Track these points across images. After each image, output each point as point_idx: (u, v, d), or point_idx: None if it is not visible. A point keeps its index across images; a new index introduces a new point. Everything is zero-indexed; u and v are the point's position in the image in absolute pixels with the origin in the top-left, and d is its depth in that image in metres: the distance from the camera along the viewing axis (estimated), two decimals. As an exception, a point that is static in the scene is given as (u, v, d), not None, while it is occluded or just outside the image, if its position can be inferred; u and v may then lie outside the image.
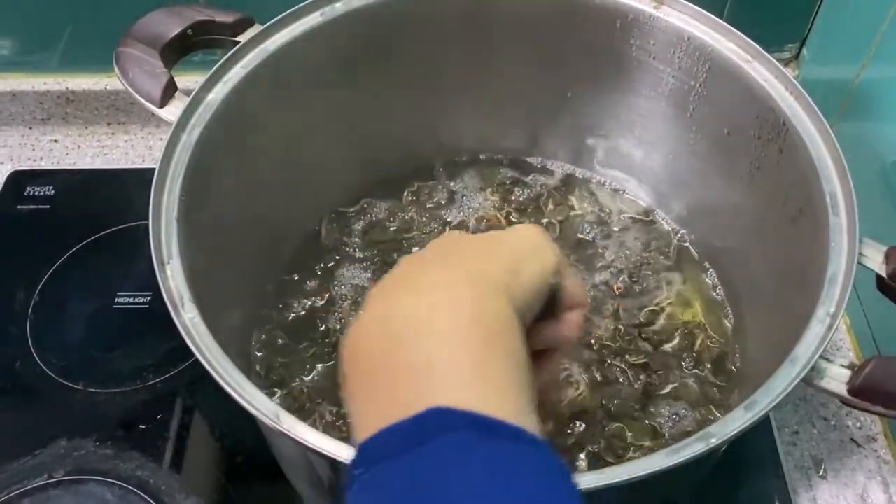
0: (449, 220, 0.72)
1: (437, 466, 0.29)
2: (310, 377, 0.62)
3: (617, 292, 0.67)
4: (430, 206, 0.73)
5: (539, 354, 0.43)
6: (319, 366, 0.63)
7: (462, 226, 0.71)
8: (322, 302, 0.66)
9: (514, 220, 0.72)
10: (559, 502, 0.29)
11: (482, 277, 0.37)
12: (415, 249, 0.70)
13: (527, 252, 0.41)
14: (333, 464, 0.41)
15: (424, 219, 0.71)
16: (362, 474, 0.30)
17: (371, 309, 0.37)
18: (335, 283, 0.67)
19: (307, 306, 0.66)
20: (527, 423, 0.31)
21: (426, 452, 0.29)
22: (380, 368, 0.34)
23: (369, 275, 0.68)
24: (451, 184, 0.74)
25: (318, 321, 0.65)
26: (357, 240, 0.70)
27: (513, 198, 0.73)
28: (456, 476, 0.28)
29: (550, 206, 0.73)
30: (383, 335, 0.35)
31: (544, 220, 0.72)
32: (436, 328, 0.34)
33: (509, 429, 0.30)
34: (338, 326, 0.65)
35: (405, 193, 0.73)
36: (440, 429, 0.30)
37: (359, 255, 0.69)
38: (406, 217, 0.72)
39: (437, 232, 0.71)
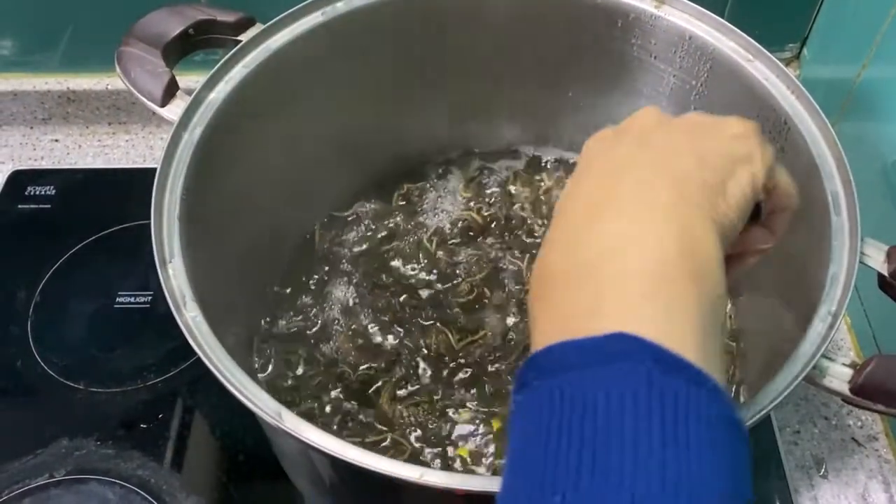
0: (428, 223, 0.72)
1: (611, 390, 0.28)
2: (309, 374, 0.63)
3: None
4: (421, 208, 0.73)
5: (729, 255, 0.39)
6: (320, 358, 0.63)
7: (437, 232, 0.71)
8: (312, 311, 0.67)
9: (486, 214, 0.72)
10: (728, 455, 0.29)
11: (687, 200, 0.34)
12: (394, 263, 0.69)
13: (738, 162, 0.36)
14: (335, 462, 0.41)
15: (410, 226, 0.71)
16: (534, 380, 0.30)
17: (566, 227, 0.35)
18: (323, 289, 0.68)
19: (297, 320, 0.66)
20: (711, 370, 0.29)
21: (603, 373, 0.28)
22: (568, 290, 0.33)
23: (357, 281, 0.68)
24: (444, 184, 0.74)
25: (307, 323, 0.66)
26: (347, 250, 0.70)
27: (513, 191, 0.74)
28: (629, 403, 0.28)
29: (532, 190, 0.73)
30: (577, 258, 0.33)
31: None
32: (634, 260, 0.32)
33: (691, 370, 0.29)
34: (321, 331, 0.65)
35: (395, 196, 0.73)
36: (622, 354, 0.29)
37: (347, 267, 0.69)
38: (391, 223, 0.71)
39: (415, 240, 0.70)
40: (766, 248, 0.41)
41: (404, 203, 0.73)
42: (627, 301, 0.31)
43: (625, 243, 0.33)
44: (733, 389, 0.63)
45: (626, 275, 0.32)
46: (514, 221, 0.71)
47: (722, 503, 0.27)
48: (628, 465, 0.26)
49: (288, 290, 0.68)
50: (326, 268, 0.69)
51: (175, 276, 0.48)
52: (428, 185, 0.74)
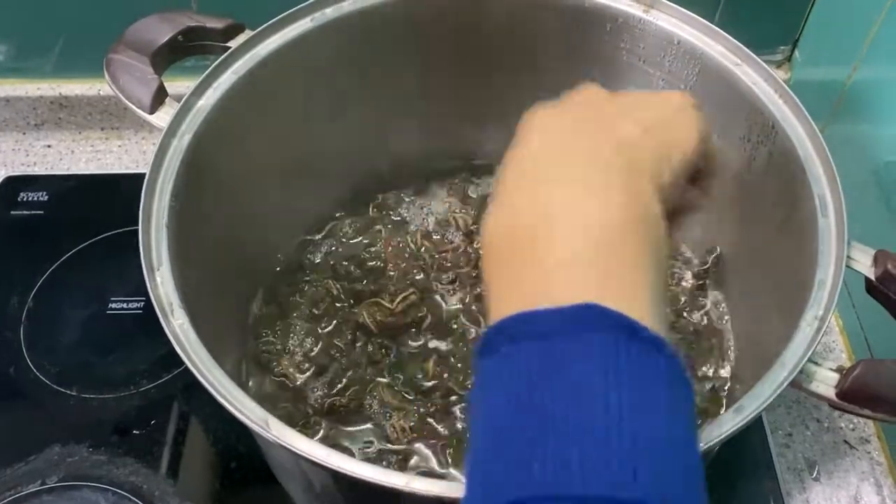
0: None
1: (584, 358, 0.29)
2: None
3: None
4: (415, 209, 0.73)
5: None
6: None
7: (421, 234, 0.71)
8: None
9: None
10: (686, 415, 0.31)
11: (635, 169, 0.35)
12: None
13: (681, 134, 0.39)
14: (325, 471, 0.41)
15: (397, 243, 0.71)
16: (502, 346, 0.31)
17: (514, 191, 0.36)
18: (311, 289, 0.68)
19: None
20: (662, 332, 0.31)
21: (575, 342, 0.30)
22: (522, 257, 0.33)
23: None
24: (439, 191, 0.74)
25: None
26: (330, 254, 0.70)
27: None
28: (600, 371, 0.29)
29: None
30: (530, 221, 0.34)
31: None
32: (587, 225, 0.33)
33: (651, 336, 0.30)
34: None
35: (370, 207, 0.73)
36: (590, 324, 0.30)
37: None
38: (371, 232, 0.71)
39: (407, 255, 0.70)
40: (696, 209, 0.44)
41: (382, 213, 0.73)
42: (586, 271, 0.32)
43: (577, 208, 0.34)
44: (723, 391, 0.63)
45: (582, 240, 0.33)
46: None
47: (686, 459, 0.30)
48: (600, 427, 0.28)
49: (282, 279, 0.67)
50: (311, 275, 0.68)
51: (163, 284, 0.48)
52: (405, 196, 0.74)
